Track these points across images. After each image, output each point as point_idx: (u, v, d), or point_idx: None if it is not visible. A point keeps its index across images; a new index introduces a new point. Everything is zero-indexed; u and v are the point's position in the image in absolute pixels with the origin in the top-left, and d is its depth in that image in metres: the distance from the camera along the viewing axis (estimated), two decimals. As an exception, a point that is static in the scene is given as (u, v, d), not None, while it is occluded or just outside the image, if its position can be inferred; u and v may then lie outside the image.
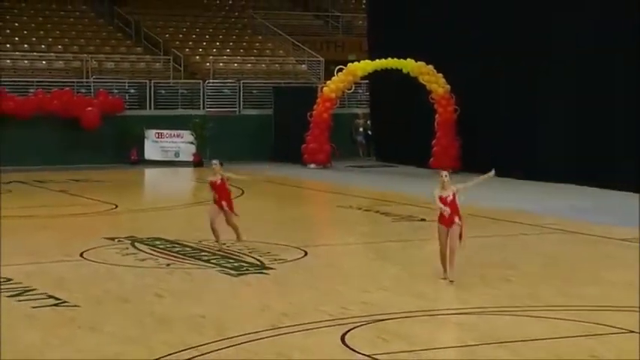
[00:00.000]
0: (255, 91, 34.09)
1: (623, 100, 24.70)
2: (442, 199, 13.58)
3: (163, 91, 33.38)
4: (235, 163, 30.61)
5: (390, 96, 31.04)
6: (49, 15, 36.90)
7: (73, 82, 32.25)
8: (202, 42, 37.54)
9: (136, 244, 16.60)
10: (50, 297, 12.77)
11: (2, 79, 31.46)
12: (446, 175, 13.76)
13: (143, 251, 16.06)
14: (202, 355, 10.19)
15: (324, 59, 36.21)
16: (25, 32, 35.29)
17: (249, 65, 36.26)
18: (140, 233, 17.61)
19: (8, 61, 33.20)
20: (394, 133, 31.18)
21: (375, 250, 17.52)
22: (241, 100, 33.59)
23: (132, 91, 33.17)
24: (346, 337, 10.90)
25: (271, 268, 14.80)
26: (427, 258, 16.08)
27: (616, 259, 16.07)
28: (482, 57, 27.68)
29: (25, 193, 24.69)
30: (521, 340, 10.87)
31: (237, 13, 40.44)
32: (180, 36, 37.54)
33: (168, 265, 15.05)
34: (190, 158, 31.34)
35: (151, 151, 31.54)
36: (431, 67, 29.19)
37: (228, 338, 10.78)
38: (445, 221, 13.55)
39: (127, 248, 16.32)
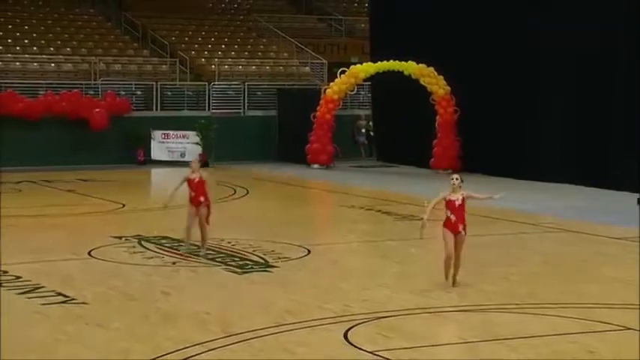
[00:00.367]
0: (259, 93, 34.05)
1: (623, 101, 24.64)
2: (450, 203, 13.07)
3: (169, 93, 33.35)
4: (240, 163, 30.76)
5: (391, 98, 31.00)
6: (57, 18, 36.89)
7: (82, 84, 32.24)
8: (208, 45, 37.52)
9: (143, 242, 16.59)
10: (59, 294, 12.76)
11: (12, 81, 31.48)
12: (457, 179, 13.18)
13: (150, 249, 16.05)
14: (208, 351, 10.18)
15: (327, 61, 36.17)
16: (35, 35, 35.29)
17: (254, 67, 36.24)
18: (147, 232, 17.59)
19: (18, 63, 33.19)
20: (395, 134, 31.14)
21: (377, 249, 17.51)
22: (246, 101, 33.56)
23: (139, 92, 33.15)
24: (349, 333, 10.89)
25: (275, 267, 14.79)
26: (428, 256, 16.08)
27: (615, 258, 16.05)
28: (482, 59, 27.65)
29: (34, 193, 24.69)
30: (521, 337, 10.85)
31: (241, 17, 40.41)
32: (186, 39, 37.51)
33: (174, 263, 15.04)
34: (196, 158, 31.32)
35: (157, 152, 31.52)
36: (432, 69, 29.16)
37: (233, 335, 10.78)
38: (451, 226, 13.07)
39: (134, 247, 16.31)
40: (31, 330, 11.09)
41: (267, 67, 36.41)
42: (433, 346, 10.61)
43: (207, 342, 10.45)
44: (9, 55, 33.55)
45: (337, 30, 41.04)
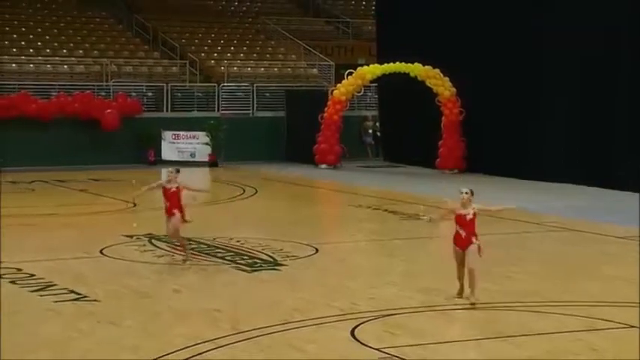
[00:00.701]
0: (268, 94, 34.07)
1: (627, 102, 24.58)
2: (460, 218, 12.15)
3: (180, 94, 33.39)
4: (249, 164, 30.78)
5: (397, 99, 30.99)
6: (70, 22, 36.95)
7: (94, 85, 32.31)
8: (217, 47, 37.55)
9: (154, 241, 16.61)
10: (71, 292, 12.80)
11: (26, 83, 31.56)
12: (467, 193, 12.20)
13: (160, 248, 16.07)
14: (217, 348, 10.20)
15: (335, 63, 36.18)
16: (48, 38, 35.36)
17: (263, 69, 36.26)
18: (157, 231, 17.61)
19: (31, 65, 33.27)
20: (402, 134, 31.13)
21: (384, 248, 17.51)
22: (255, 102, 33.58)
23: (149, 94, 33.19)
24: (356, 331, 10.90)
25: (284, 265, 14.80)
26: (433, 255, 16.09)
27: (617, 257, 16.02)
28: (487, 60, 27.62)
29: (47, 192, 24.74)
30: (525, 335, 10.85)
31: (250, 19, 40.43)
32: (196, 41, 37.55)
33: (184, 261, 15.05)
34: (206, 158, 31.37)
35: (167, 152, 31.55)
36: (437, 70, 29.15)
37: (242, 332, 10.79)
38: (461, 242, 12.20)
39: (145, 245, 16.34)
40: (44, 327, 11.13)
41: (276, 69, 36.42)
42: (439, 343, 10.61)
43: (217, 339, 10.47)
44: (23, 57, 33.63)
45: (344, 32, 41.04)
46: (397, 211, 20.88)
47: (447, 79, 29.09)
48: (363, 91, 31.40)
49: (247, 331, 10.81)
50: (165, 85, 32.98)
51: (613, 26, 24.73)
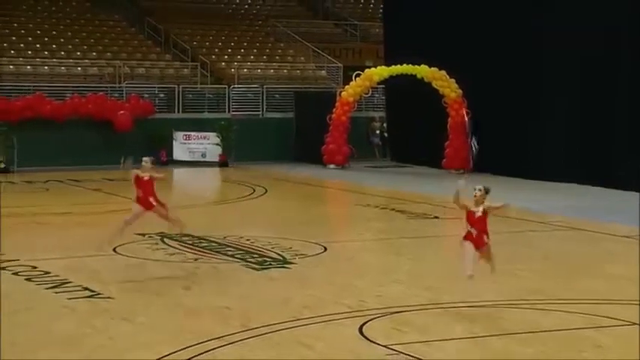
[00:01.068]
0: (277, 96, 34.07)
1: (627, 102, 24.52)
2: (470, 215, 11.83)
3: (191, 96, 33.41)
4: (259, 164, 30.78)
5: (404, 100, 30.96)
6: (84, 25, 37.01)
7: (107, 87, 32.35)
8: (228, 49, 37.57)
9: (166, 239, 16.62)
10: (85, 289, 12.81)
11: (41, 85, 31.62)
12: (480, 190, 11.84)
13: (172, 246, 16.08)
14: (228, 344, 10.20)
15: (343, 65, 36.16)
16: (62, 41, 35.42)
17: (272, 71, 36.26)
18: (169, 229, 17.60)
19: (46, 67, 33.34)
20: (408, 135, 31.10)
21: (391, 246, 17.49)
22: (264, 104, 33.59)
23: (161, 95, 33.22)
24: (364, 328, 10.89)
25: (293, 263, 14.79)
26: (440, 253, 16.07)
27: (620, 255, 15.99)
28: (488, 61, 27.53)
29: (62, 192, 24.78)
30: (530, 332, 10.83)
31: (260, 22, 40.44)
32: (207, 44, 37.58)
33: (195, 259, 15.07)
34: (216, 159, 31.38)
35: (179, 152, 31.58)
36: (444, 72, 29.11)
37: (252, 329, 10.79)
38: (474, 240, 11.86)
39: (157, 243, 16.34)
40: (58, 323, 11.15)
41: (285, 71, 36.43)
42: (445, 340, 10.60)
43: (227, 335, 10.47)
44: (37, 59, 33.70)
45: (352, 35, 41.03)
46: (404, 211, 20.86)
47: (453, 80, 29.05)
48: (370, 92, 31.38)
49: (257, 328, 10.81)
50: (176, 86, 32.99)
51: (613, 26, 24.63)
